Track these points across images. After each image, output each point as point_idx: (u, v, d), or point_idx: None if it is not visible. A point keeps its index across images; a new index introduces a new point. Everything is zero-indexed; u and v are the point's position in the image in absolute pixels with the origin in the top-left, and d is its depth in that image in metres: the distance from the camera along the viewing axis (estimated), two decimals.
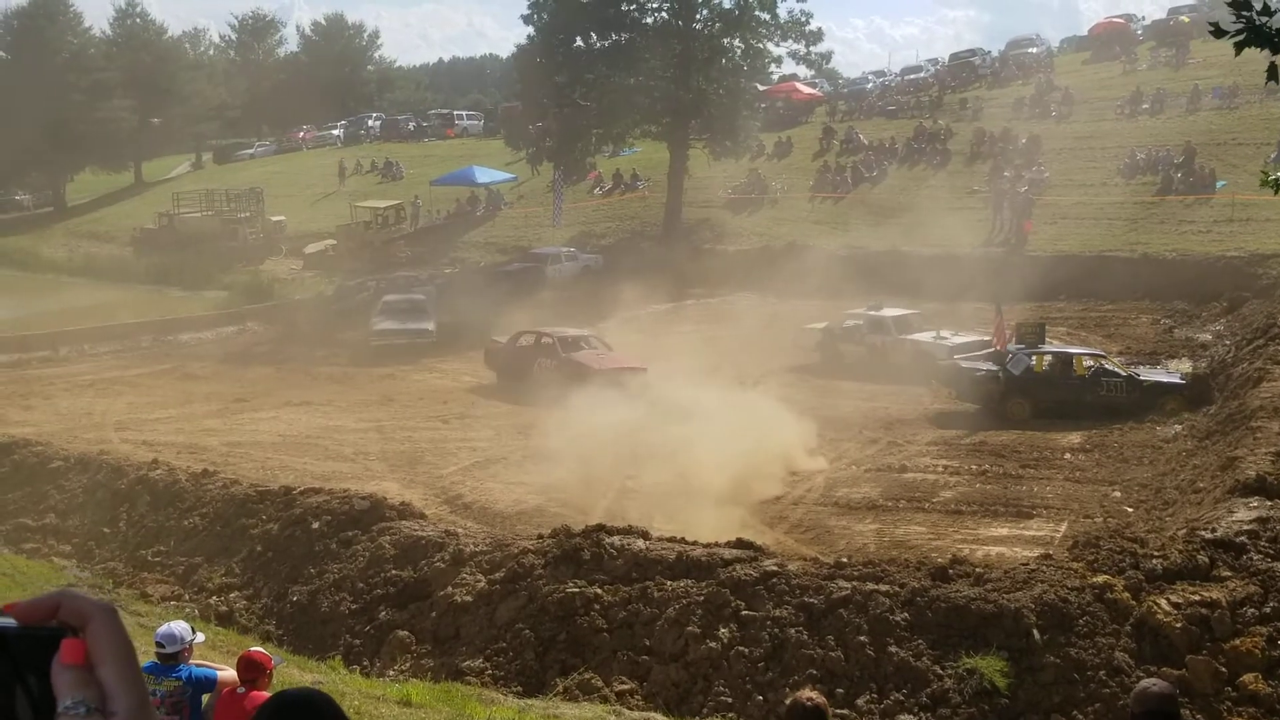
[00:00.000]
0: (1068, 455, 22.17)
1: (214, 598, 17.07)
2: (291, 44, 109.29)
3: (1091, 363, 25.17)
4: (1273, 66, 6.71)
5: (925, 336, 29.51)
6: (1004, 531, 18.03)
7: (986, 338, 28.78)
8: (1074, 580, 13.45)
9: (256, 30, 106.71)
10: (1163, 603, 13.02)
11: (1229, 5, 6.66)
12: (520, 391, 28.48)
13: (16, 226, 73.82)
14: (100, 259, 60.54)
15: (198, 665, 8.61)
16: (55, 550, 19.48)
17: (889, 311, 30.78)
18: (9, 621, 1.19)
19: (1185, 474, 19.73)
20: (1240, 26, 6.49)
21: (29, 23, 79.26)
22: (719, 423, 22.49)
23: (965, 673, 12.56)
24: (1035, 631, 12.78)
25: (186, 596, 17.32)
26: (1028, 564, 14.43)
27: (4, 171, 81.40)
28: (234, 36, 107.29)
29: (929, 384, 27.25)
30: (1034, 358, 25.50)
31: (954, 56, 70.05)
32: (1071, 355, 25.82)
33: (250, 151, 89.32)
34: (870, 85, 70.31)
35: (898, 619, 13.22)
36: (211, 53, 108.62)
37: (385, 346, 35.48)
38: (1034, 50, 65.69)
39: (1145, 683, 6.30)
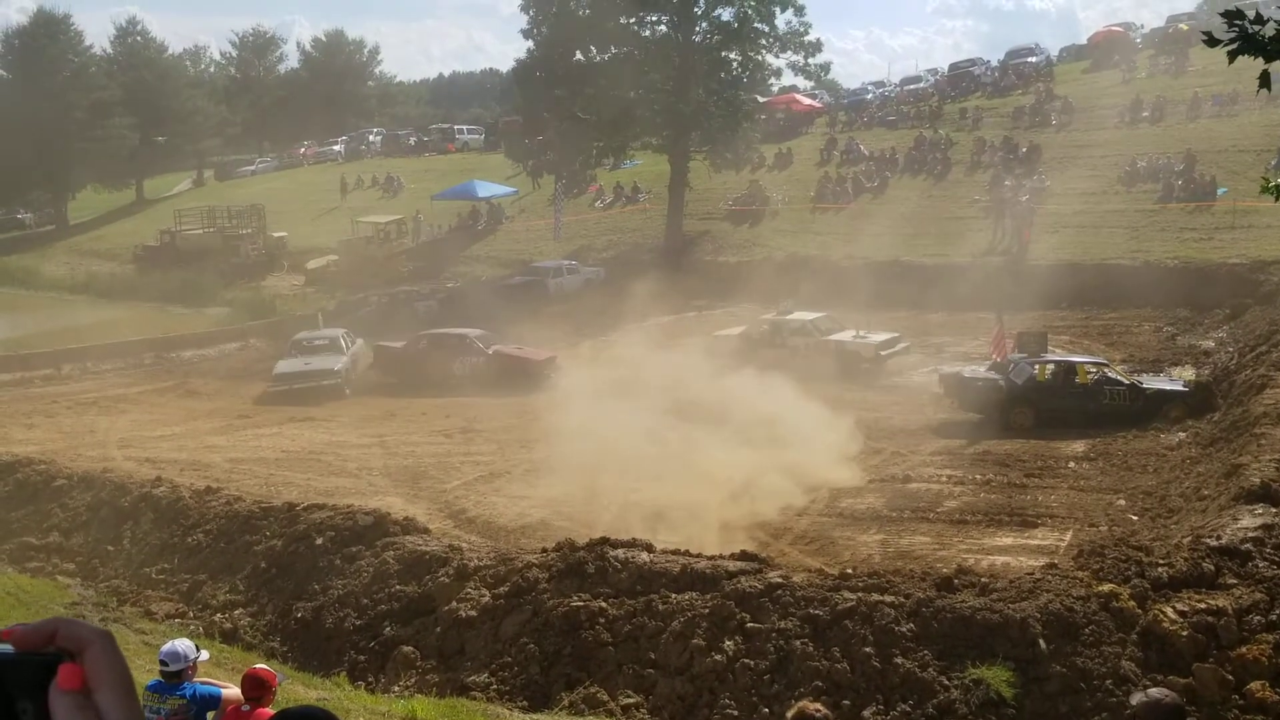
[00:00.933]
0: (1072, 464, 22.13)
1: (218, 615, 17.04)
2: (292, 60, 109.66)
3: (1094, 371, 25.13)
4: (1265, 75, 6.75)
5: (846, 336, 30.89)
6: (1009, 541, 17.99)
7: (895, 334, 31.32)
8: (1079, 589, 13.42)
9: (257, 47, 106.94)
10: (1169, 611, 12.99)
11: (1222, 15, 6.72)
12: (526, 402, 28.53)
13: (18, 245, 74.00)
14: (102, 276, 60.65)
15: (202, 683, 8.61)
16: (59, 569, 19.45)
17: (801, 315, 32.02)
18: (6, 648, 1.20)
19: (1190, 481, 19.70)
20: (1233, 35, 6.52)
21: (30, 41, 79.46)
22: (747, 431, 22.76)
23: (971, 683, 12.53)
24: (1041, 641, 12.76)
25: (191, 614, 17.29)
26: (1033, 573, 14.41)
27: (6, 190, 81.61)
28: (235, 53, 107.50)
29: (852, 380, 29.18)
30: (1036, 367, 25.48)
31: (953, 66, 70.16)
32: (1074, 364, 25.77)
33: (251, 168, 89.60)
34: (870, 96, 70.40)
35: (903, 630, 13.19)
36: (212, 70, 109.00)
37: (287, 392, 31.19)
38: (1033, 59, 65.76)
39: (1155, 693, 6.24)
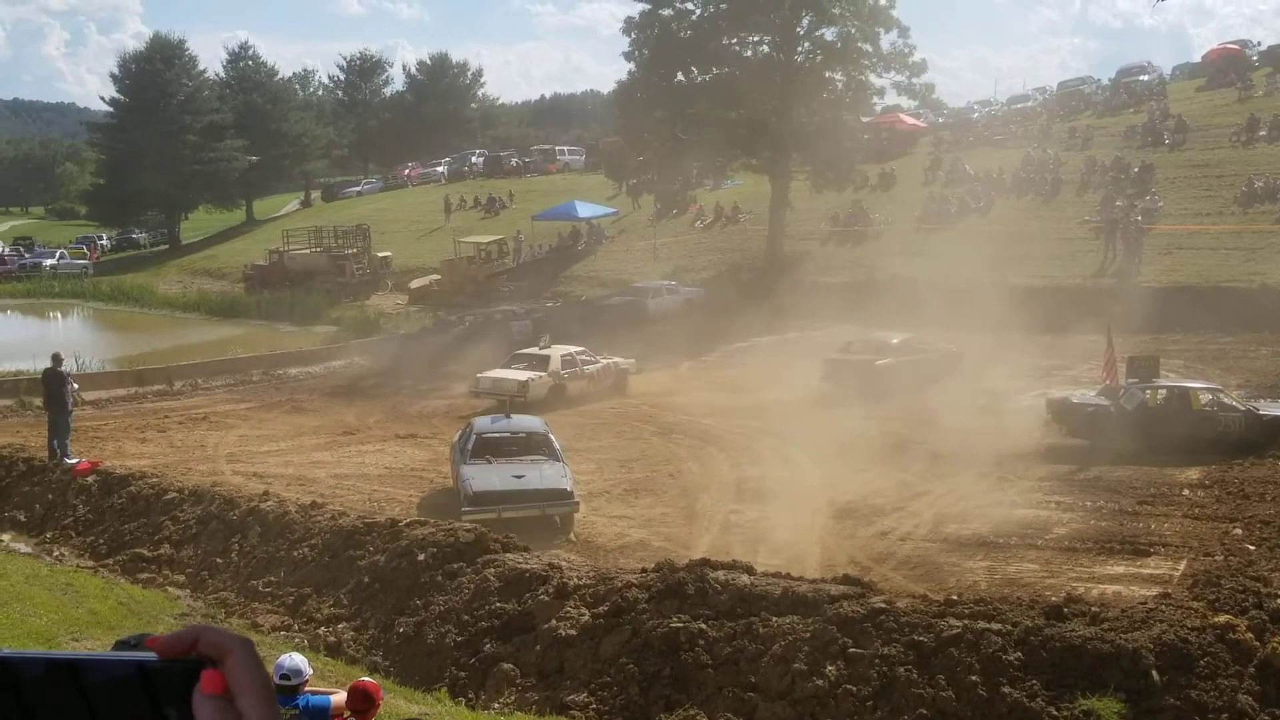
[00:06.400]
0: (1185, 491, 21.53)
1: (322, 628, 17.23)
2: (397, 83, 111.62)
3: (1208, 397, 24.46)
4: None
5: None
6: (1120, 569, 17.53)
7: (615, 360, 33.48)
8: (1194, 620, 13.02)
9: (363, 70, 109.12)
10: None
11: None
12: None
13: (133, 264, 76.27)
14: (213, 295, 62.15)
15: (312, 693, 8.72)
16: (170, 580, 19.83)
17: (561, 348, 33.24)
18: (150, 655, 1.23)
19: None
20: None
21: (147, 66, 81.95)
22: None
23: (1081, 714, 12.21)
24: (1154, 672, 12.39)
25: (296, 627, 17.50)
26: (1146, 603, 14.02)
27: (122, 211, 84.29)
28: (342, 77, 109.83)
29: None
30: (1148, 392, 24.86)
31: (1063, 85, 69.13)
32: (1187, 389, 25.12)
33: (357, 189, 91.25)
34: (976, 115, 69.57)
35: (1011, 658, 12.90)
36: (320, 93, 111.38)
37: (496, 521, 20.10)
38: (1145, 78, 64.49)
39: None
